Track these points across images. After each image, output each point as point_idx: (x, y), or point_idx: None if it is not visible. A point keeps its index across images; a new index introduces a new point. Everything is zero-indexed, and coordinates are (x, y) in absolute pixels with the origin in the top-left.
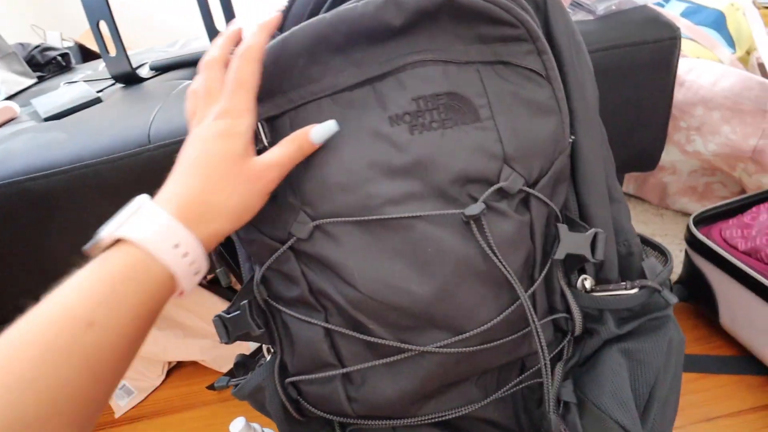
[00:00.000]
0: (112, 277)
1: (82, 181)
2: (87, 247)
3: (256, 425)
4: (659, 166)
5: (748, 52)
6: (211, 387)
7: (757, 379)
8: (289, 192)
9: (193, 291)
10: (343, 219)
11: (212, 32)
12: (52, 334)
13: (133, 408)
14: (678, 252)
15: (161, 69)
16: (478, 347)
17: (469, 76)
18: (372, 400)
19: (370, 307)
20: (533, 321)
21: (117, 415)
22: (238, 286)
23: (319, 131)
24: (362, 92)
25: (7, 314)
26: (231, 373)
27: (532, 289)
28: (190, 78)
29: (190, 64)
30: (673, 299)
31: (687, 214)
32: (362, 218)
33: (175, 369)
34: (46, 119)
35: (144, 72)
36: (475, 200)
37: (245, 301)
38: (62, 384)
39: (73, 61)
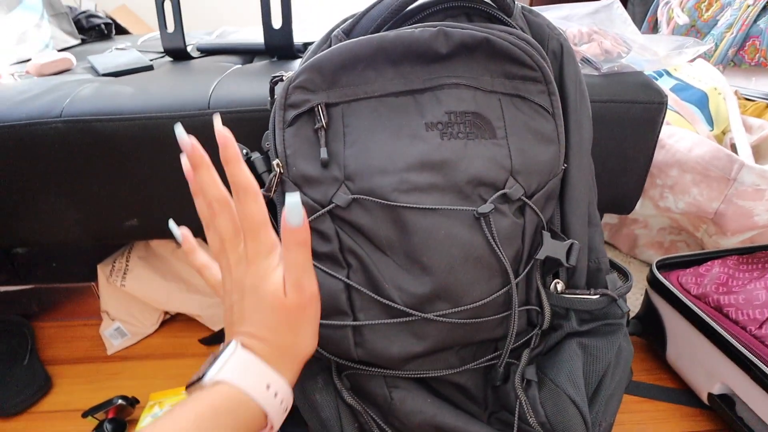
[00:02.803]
0: (215, 410)
1: (144, 130)
2: (189, 385)
3: None
4: (633, 219)
5: (723, 132)
6: (203, 340)
7: (691, 410)
8: (336, 168)
9: (203, 252)
10: (378, 200)
11: (269, 27)
12: None
13: (124, 349)
14: (639, 296)
15: (207, 52)
16: (467, 320)
17: (492, 103)
18: (376, 352)
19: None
20: (515, 300)
21: (109, 353)
22: None
23: (290, 212)
24: (405, 100)
25: (51, 239)
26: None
27: (518, 278)
28: (235, 63)
29: (235, 51)
30: (626, 308)
31: (650, 265)
32: (395, 203)
33: (169, 322)
34: (104, 75)
35: (190, 51)
36: (483, 200)
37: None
38: None
39: (113, 31)
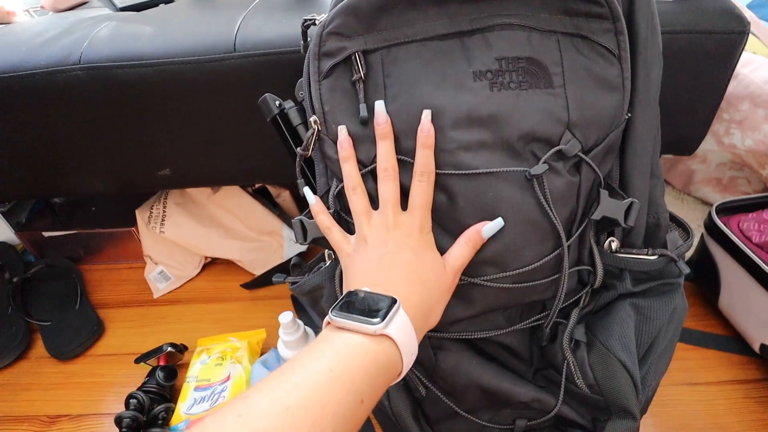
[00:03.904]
0: (377, 366)
1: (168, 76)
2: (351, 324)
3: (300, 321)
4: None
5: None
6: (245, 285)
7: (741, 358)
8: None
9: (239, 197)
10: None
11: None
12: (340, 406)
13: (169, 292)
14: None
15: None
16: (515, 285)
17: (550, 45)
18: None
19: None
20: (566, 265)
21: (155, 296)
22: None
23: (489, 228)
24: (450, 44)
25: (86, 189)
26: (285, 272)
27: (569, 241)
28: None
29: None
30: (686, 270)
31: (706, 203)
32: (438, 171)
33: (210, 265)
34: (122, 9)
35: None
36: (536, 157)
37: None
38: None
39: None
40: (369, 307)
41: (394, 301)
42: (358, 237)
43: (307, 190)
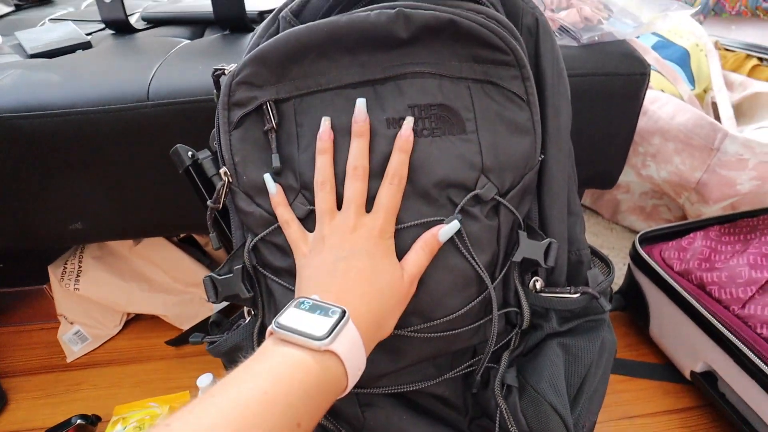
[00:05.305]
0: (318, 386)
1: (76, 126)
2: (294, 337)
3: None
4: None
5: (705, 90)
6: (170, 342)
7: (674, 386)
8: (291, 176)
9: (163, 248)
10: None
11: None
12: None
13: (85, 355)
14: (621, 265)
15: (154, 22)
16: (442, 333)
17: (461, 92)
18: None
19: None
20: (495, 311)
21: (69, 360)
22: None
23: (446, 231)
24: (363, 91)
25: None
26: (203, 330)
27: (493, 285)
28: (185, 37)
29: (184, 22)
30: (608, 306)
31: (634, 231)
32: None
33: (133, 321)
34: (33, 56)
35: (135, 21)
36: (453, 202)
37: (239, 266)
38: None
39: None
40: (316, 319)
41: (343, 313)
42: (317, 236)
43: (267, 178)
